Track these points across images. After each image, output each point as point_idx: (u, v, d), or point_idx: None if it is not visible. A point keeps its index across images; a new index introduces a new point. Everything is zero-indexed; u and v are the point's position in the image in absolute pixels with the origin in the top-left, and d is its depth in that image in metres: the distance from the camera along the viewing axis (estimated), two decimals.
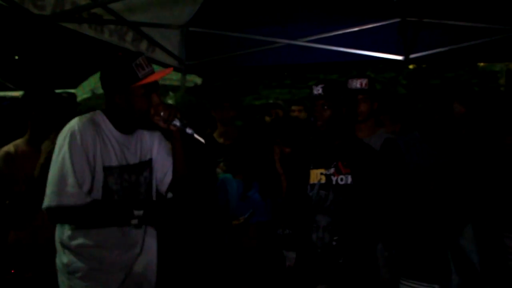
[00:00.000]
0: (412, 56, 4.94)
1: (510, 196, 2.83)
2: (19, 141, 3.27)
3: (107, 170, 2.32)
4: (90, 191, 2.25)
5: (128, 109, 2.32)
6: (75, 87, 8.41)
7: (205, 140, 2.37)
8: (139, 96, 2.30)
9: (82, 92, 7.88)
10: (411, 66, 11.97)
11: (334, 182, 2.87)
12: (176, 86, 6.73)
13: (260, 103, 11.91)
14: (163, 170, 2.56)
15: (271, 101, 5.25)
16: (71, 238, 2.32)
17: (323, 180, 2.90)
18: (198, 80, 8.12)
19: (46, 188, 2.20)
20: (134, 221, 2.30)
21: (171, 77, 7.46)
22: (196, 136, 2.34)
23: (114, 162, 2.35)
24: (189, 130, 2.34)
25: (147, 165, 2.52)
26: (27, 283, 3.10)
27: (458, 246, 2.72)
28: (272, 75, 12.57)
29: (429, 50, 4.89)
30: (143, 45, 4.62)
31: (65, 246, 2.34)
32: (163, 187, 2.57)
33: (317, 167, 2.94)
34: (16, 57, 15.16)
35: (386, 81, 11.52)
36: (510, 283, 2.91)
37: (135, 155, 2.45)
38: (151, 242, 2.53)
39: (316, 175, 2.93)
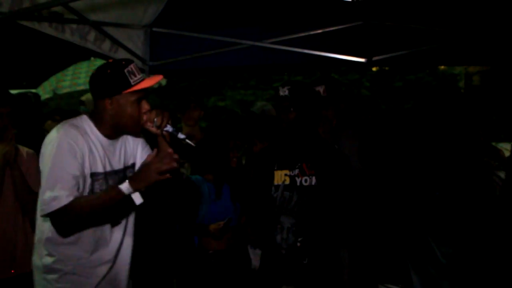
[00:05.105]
0: (374, 58, 5.01)
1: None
2: None
3: (94, 176, 2.34)
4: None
5: (119, 115, 2.32)
6: (35, 87, 8.21)
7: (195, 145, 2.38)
8: (130, 102, 2.31)
9: (43, 92, 7.68)
10: (374, 69, 12.17)
11: (298, 183, 2.88)
12: None
13: (225, 104, 11.93)
14: None
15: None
16: (51, 240, 2.36)
17: (287, 181, 2.91)
18: (163, 81, 8.04)
19: (40, 195, 2.22)
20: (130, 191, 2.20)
21: None
22: (187, 141, 2.34)
23: (100, 169, 2.37)
24: (181, 135, 2.35)
25: (130, 170, 2.53)
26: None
27: (425, 242, 2.77)
28: (237, 76, 12.59)
29: (390, 53, 4.97)
30: (106, 45, 4.54)
31: (44, 247, 2.38)
32: None
33: (281, 168, 2.95)
34: None
35: (349, 83, 11.67)
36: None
37: (119, 160, 2.48)
38: (128, 243, 2.55)
39: (280, 176, 2.93)
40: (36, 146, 3.57)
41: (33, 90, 6.78)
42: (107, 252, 2.47)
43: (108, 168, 2.41)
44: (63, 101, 7.82)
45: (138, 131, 2.40)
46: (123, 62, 2.33)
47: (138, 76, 2.32)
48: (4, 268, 3.15)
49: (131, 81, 2.29)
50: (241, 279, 3.48)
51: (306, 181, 2.87)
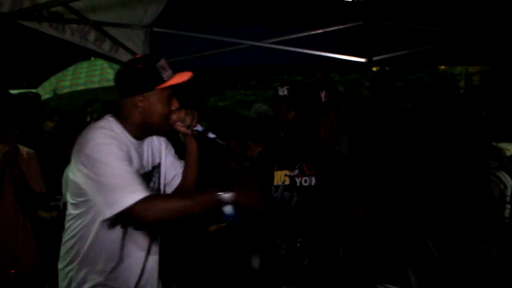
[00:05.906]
0: (374, 58, 5.01)
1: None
2: None
3: None
4: None
5: (149, 112, 2.19)
6: (35, 87, 8.23)
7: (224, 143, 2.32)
8: (162, 99, 2.19)
9: (43, 92, 7.70)
10: (374, 69, 12.19)
11: (298, 184, 2.88)
12: None
13: (225, 104, 11.95)
14: (172, 173, 2.48)
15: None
16: (80, 261, 2.25)
17: (287, 182, 2.90)
18: None
19: (104, 199, 2.03)
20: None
21: None
22: (217, 140, 2.28)
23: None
24: (211, 135, 2.29)
25: (157, 169, 2.43)
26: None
27: (423, 241, 2.77)
28: (237, 76, 12.61)
29: (391, 53, 4.97)
30: (106, 45, 4.54)
31: (67, 268, 2.28)
32: (169, 190, 2.49)
33: (281, 168, 2.95)
34: None
35: (350, 83, 11.69)
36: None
37: (147, 162, 2.36)
38: (152, 263, 2.47)
39: (280, 177, 2.93)
40: (36, 146, 3.59)
41: (34, 90, 6.80)
42: (134, 267, 2.37)
43: (141, 171, 2.26)
44: (63, 101, 7.81)
45: (166, 130, 2.28)
46: (154, 57, 2.22)
47: (169, 71, 2.21)
48: (4, 268, 3.15)
49: (164, 76, 2.18)
50: (241, 279, 3.48)
51: (306, 181, 2.87)
